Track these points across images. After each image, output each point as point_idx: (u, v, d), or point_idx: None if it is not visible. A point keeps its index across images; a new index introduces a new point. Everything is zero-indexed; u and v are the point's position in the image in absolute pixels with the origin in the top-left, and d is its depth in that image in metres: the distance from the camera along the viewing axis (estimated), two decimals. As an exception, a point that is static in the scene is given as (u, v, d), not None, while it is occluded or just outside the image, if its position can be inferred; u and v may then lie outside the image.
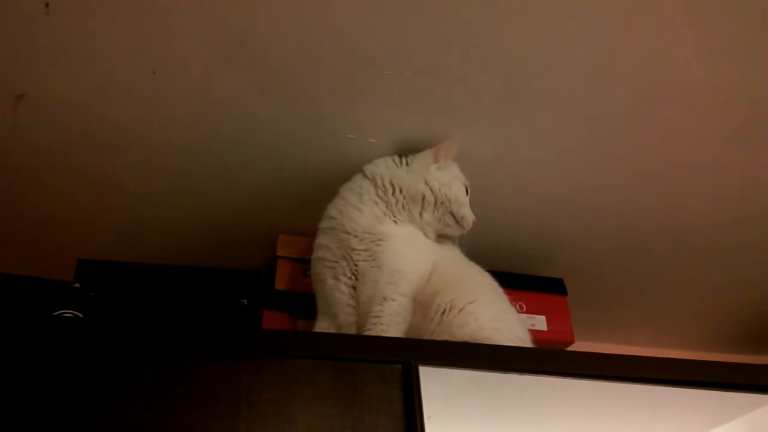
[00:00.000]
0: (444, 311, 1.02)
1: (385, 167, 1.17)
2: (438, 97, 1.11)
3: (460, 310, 1.01)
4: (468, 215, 1.15)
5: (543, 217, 1.38)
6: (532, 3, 0.96)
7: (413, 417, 0.77)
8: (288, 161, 1.22)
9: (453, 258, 1.16)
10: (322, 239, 1.13)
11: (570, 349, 1.36)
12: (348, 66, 1.05)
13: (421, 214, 1.14)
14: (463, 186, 1.17)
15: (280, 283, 1.28)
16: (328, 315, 1.10)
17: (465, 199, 1.16)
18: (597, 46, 1.03)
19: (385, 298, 1.03)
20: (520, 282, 1.38)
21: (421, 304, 1.05)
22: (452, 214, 1.14)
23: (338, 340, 0.95)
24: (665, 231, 1.42)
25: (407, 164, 1.17)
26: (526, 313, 1.36)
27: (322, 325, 1.10)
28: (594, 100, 1.12)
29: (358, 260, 1.07)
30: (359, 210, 1.11)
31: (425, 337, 1.01)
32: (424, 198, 1.13)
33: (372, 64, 1.04)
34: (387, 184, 1.14)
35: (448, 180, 1.15)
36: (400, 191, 1.14)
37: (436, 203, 1.14)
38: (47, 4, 0.93)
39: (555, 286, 1.43)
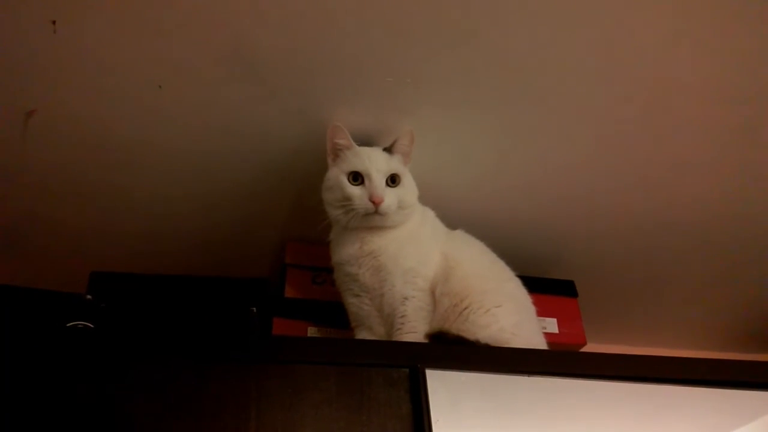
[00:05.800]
0: (471, 309, 1.04)
1: None
2: (443, 101, 1.11)
3: (486, 311, 1.04)
4: (359, 206, 1.05)
5: (552, 219, 1.38)
6: (538, 4, 0.97)
7: (421, 421, 0.78)
8: (294, 170, 1.23)
9: (471, 250, 1.16)
10: (335, 273, 1.16)
11: (582, 351, 1.35)
12: (353, 74, 1.06)
13: (345, 223, 1.08)
14: (351, 173, 1.07)
15: (290, 291, 1.29)
16: (365, 327, 1.13)
17: (350, 190, 1.06)
18: (602, 47, 1.03)
19: (405, 298, 1.07)
20: (530, 285, 1.34)
21: (450, 295, 1.07)
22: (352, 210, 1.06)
23: (345, 345, 0.96)
24: (675, 230, 1.40)
25: None
26: (537, 315, 1.35)
27: (363, 335, 1.12)
28: (601, 100, 1.12)
29: (363, 281, 1.10)
30: (340, 244, 1.12)
31: (446, 325, 1.04)
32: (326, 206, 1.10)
33: (378, 70, 1.05)
34: None
35: (327, 180, 1.10)
36: None
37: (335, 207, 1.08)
38: (54, 22, 0.95)
39: (565, 289, 1.43)
